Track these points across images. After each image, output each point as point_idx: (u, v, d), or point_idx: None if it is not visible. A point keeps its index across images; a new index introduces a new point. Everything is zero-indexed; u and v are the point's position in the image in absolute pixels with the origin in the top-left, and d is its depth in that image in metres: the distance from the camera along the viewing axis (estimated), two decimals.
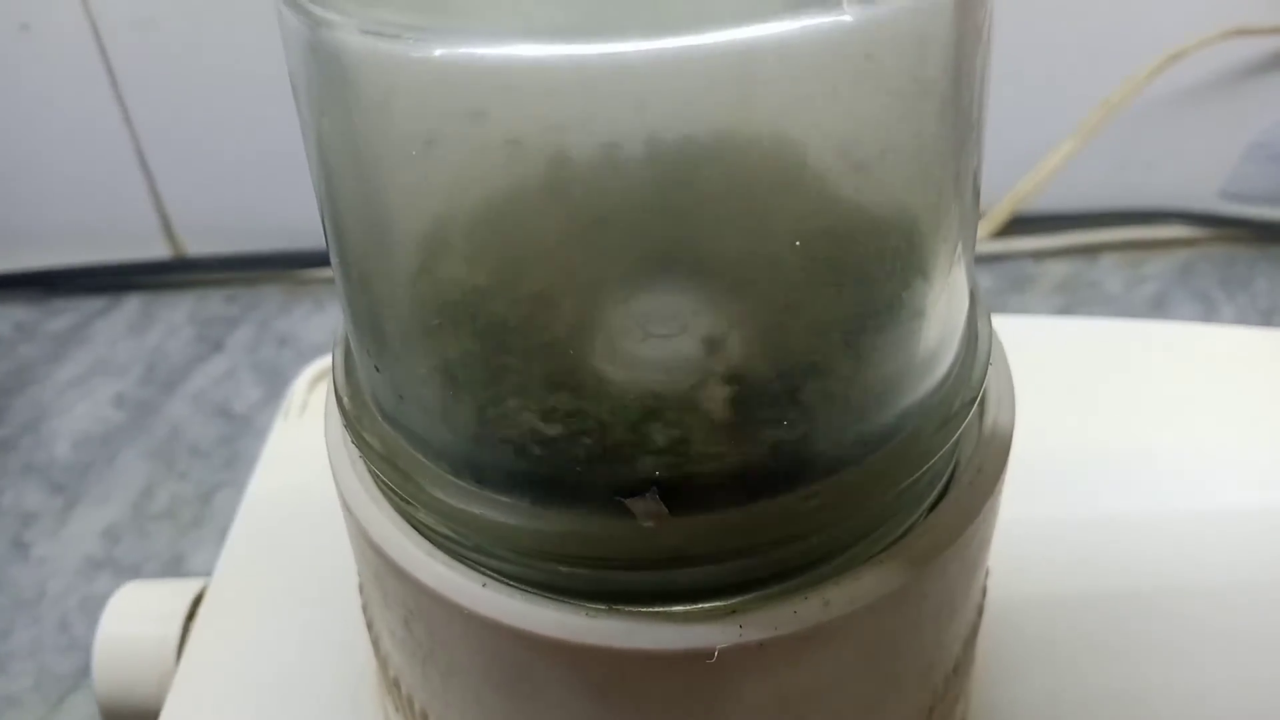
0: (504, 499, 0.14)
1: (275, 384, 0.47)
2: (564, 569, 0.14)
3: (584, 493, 0.14)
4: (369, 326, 0.15)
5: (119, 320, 0.51)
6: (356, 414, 0.16)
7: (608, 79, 0.12)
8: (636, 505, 0.13)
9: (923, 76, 0.12)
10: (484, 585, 0.14)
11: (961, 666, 0.18)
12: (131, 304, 0.52)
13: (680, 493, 0.14)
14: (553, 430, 0.14)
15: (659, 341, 0.13)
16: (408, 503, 0.15)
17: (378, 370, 0.15)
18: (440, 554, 0.15)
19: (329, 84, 0.13)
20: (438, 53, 0.12)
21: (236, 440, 0.45)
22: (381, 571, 0.16)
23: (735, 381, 0.14)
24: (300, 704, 0.22)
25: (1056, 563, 0.23)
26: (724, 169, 0.12)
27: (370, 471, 0.16)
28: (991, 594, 0.19)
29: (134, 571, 0.40)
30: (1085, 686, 0.21)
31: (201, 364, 0.49)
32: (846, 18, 0.11)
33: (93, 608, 0.39)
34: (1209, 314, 0.47)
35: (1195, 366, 0.29)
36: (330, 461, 0.17)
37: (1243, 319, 0.46)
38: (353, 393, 0.16)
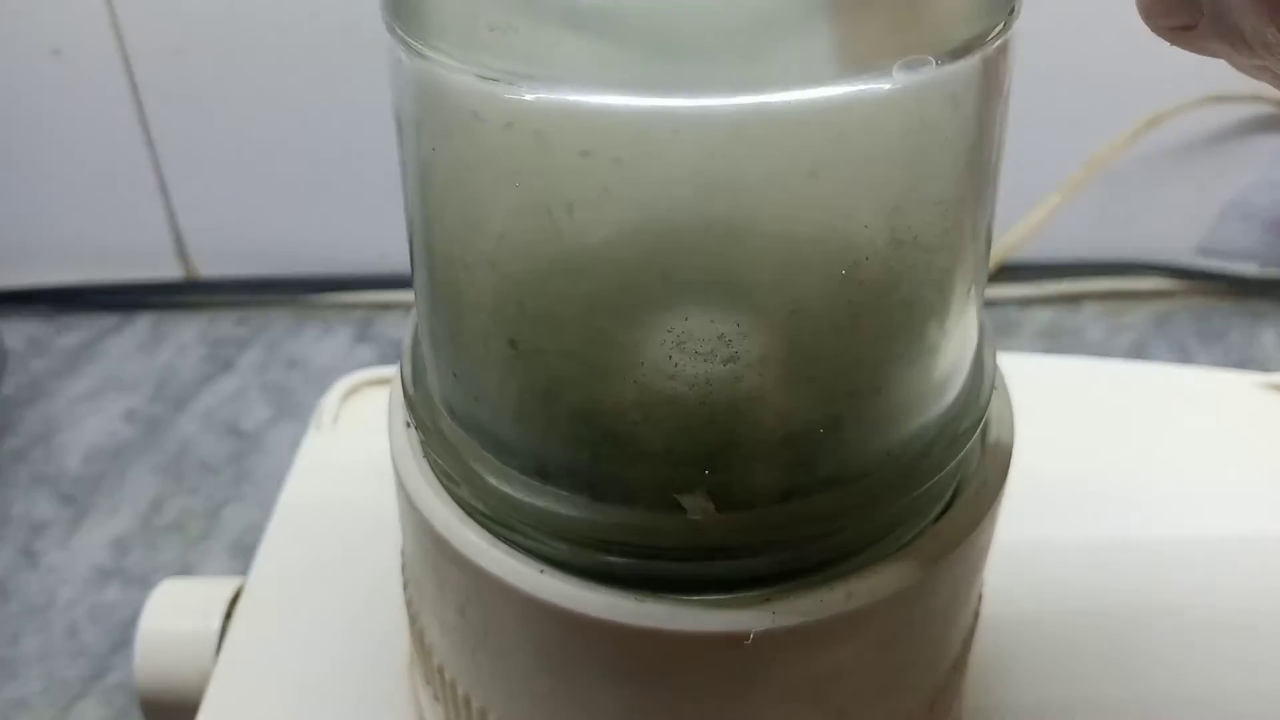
0: (565, 493, 0.16)
1: (284, 404, 0.48)
2: (615, 559, 0.16)
3: (640, 490, 0.15)
4: (449, 339, 0.16)
5: (130, 338, 0.52)
6: (427, 417, 0.17)
7: (682, 129, 0.13)
8: (688, 501, 0.15)
9: (953, 133, 0.14)
10: (541, 572, 0.16)
11: (960, 663, 0.20)
12: (143, 322, 0.53)
13: (726, 492, 0.15)
14: (616, 438, 0.15)
15: (717, 367, 0.15)
16: (472, 496, 0.17)
17: (455, 377, 0.16)
18: (500, 544, 0.17)
19: (438, 119, 0.15)
20: (529, 97, 0.14)
21: (245, 457, 0.46)
22: (441, 562, 0.17)
23: (778, 400, 0.15)
24: (335, 694, 0.23)
25: (1043, 582, 0.25)
26: (787, 215, 0.14)
27: (435, 468, 0.18)
28: (984, 610, 0.21)
29: (143, 582, 0.41)
30: (1069, 696, 0.23)
31: (211, 383, 0.50)
32: (888, 85, 0.13)
33: (102, 616, 0.40)
34: (1184, 363, 0.49)
35: (1171, 404, 0.31)
36: (394, 462, 0.18)
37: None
38: (423, 398, 0.18)
